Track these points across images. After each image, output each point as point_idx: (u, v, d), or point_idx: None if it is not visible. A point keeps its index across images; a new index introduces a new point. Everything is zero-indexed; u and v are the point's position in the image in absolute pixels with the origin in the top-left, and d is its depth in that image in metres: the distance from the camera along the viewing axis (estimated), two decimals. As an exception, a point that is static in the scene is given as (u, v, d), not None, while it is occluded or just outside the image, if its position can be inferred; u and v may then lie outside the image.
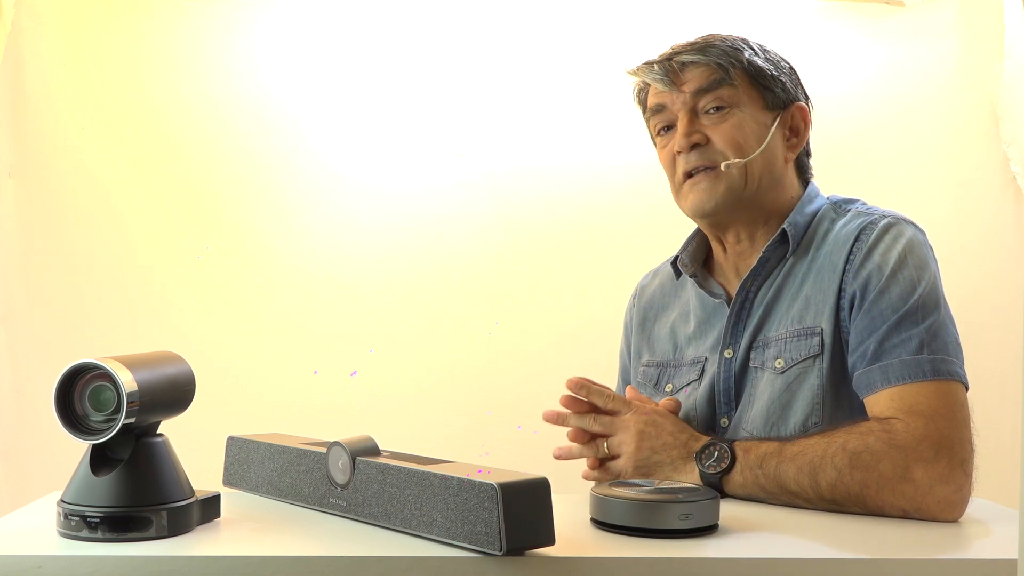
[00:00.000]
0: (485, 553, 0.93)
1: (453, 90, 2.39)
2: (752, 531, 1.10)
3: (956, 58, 2.48)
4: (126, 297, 2.28)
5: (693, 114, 1.45)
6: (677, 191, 1.50)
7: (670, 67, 1.46)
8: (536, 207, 2.41)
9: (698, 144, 1.44)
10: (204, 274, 2.31)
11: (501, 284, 2.40)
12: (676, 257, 1.57)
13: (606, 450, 1.34)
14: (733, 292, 1.49)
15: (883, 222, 1.39)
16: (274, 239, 2.35)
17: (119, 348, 1.08)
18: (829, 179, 1.56)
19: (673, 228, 1.60)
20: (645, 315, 1.63)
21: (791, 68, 1.52)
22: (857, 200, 1.49)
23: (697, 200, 1.46)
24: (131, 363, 1.01)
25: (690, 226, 1.57)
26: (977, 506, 1.25)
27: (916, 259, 1.35)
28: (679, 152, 1.46)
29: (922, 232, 1.41)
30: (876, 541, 1.10)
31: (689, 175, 1.46)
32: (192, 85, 2.32)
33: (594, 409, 1.35)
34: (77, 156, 2.27)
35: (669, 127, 1.49)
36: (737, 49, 1.46)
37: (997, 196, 2.46)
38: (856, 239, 1.38)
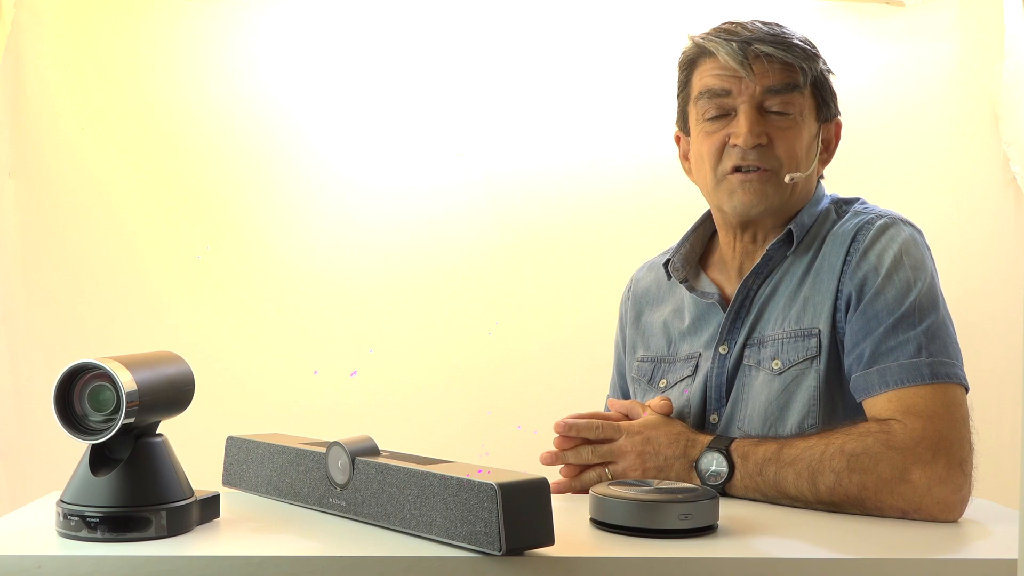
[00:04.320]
0: (485, 553, 0.93)
1: (453, 90, 2.39)
2: (752, 531, 1.10)
3: (956, 58, 2.48)
4: (126, 297, 2.28)
5: (758, 111, 1.41)
6: (718, 182, 1.44)
7: (749, 51, 1.39)
8: (536, 207, 2.41)
9: (760, 144, 1.40)
10: (204, 274, 2.31)
11: (501, 284, 2.40)
12: (668, 260, 1.56)
13: (609, 478, 1.33)
14: (728, 289, 1.49)
15: (879, 222, 1.39)
16: (274, 239, 2.35)
17: (119, 348, 1.08)
18: (829, 179, 1.56)
19: (673, 228, 1.59)
20: (640, 309, 1.62)
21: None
22: (857, 199, 1.48)
23: (747, 201, 1.42)
24: (130, 363, 1.01)
25: (688, 224, 1.57)
26: (977, 506, 1.25)
27: (912, 259, 1.35)
28: (736, 145, 1.40)
29: (919, 232, 1.41)
30: (876, 541, 1.10)
31: (739, 169, 1.41)
32: (192, 85, 2.32)
33: (587, 441, 1.35)
34: (77, 156, 2.27)
35: (723, 115, 1.43)
36: (814, 55, 1.43)
37: (997, 196, 2.46)
38: (852, 240, 1.38)
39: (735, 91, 1.41)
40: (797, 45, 1.42)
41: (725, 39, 1.41)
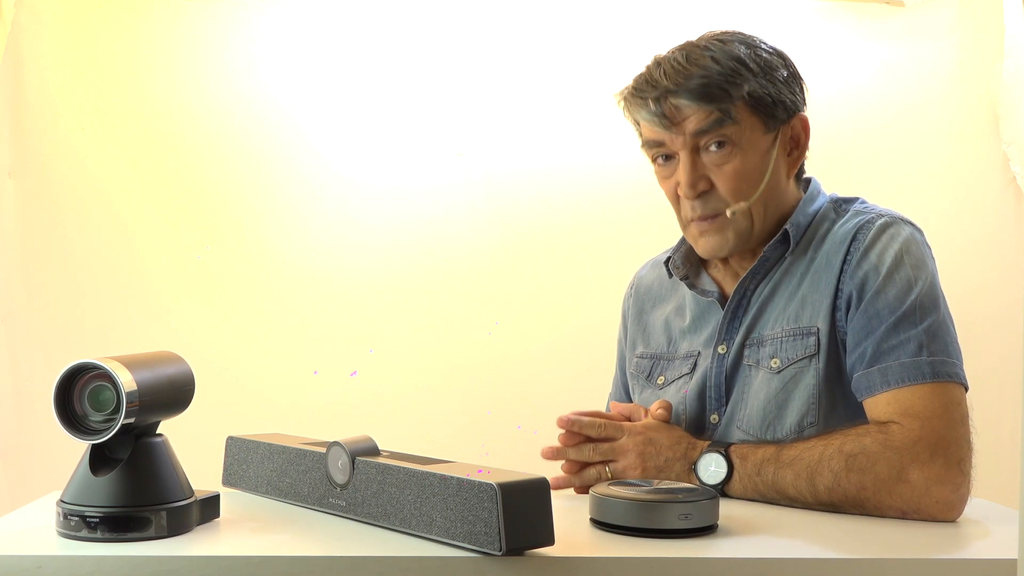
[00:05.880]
0: (485, 553, 0.93)
1: (453, 90, 2.39)
2: (752, 531, 1.10)
3: (956, 58, 2.48)
4: (126, 297, 2.28)
5: (695, 154, 1.40)
6: (684, 227, 1.47)
7: (666, 106, 1.38)
8: (536, 207, 2.41)
9: (703, 191, 1.41)
10: (204, 274, 2.31)
11: (501, 284, 2.40)
12: (669, 257, 1.56)
13: (609, 476, 1.33)
14: (727, 288, 1.49)
15: (880, 221, 1.38)
16: (274, 239, 2.35)
17: (119, 348, 1.08)
18: (829, 179, 1.56)
19: (673, 228, 1.59)
20: (642, 305, 1.62)
21: (789, 72, 1.45)
22: (857, 199, 1.48)
23: (709, 249, 1.44)
24: (131, 363, 1.01)
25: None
26: (977, 506, 1.25)
27: (913, 259, 1.35)
28: (680, 194, 1.43)
29: (920, 231, 1.40)
30: (876, 541, 1.10)
31: (693, 219, 1.44)
32: (192, 85, 2.32)
33: (589, 439, 1.36)
34: (77, 156, 2.27)
35: (668, 156, 1.44)
36: (735, 82, 1.37)
37: (997, 196, 2.46)
38: (853, 239, 1.38)
39: (667, 141, 1.42)
40: (714, 84, 1.37)
41: (641, 98, 1.41)
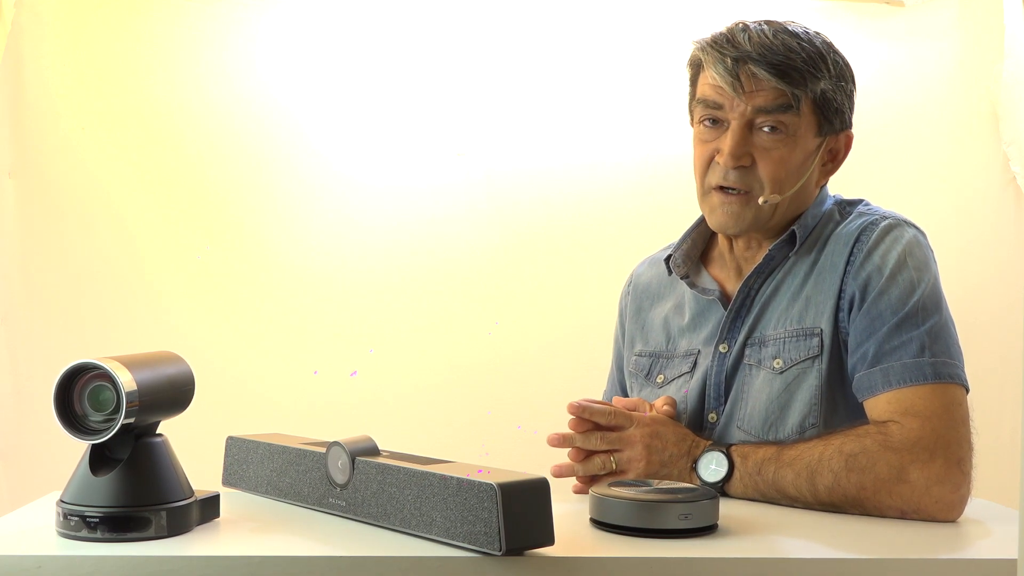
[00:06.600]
0: (484, 553, 0.93)
1: (453, 90, 2.39)
2: (752, 531, 1.10)
3: (956, 58, 2.48)
4: (126, 297, 2.28)
5: (747, 128, 1.39)
6: (703, 195, 1.45)
7: (742, 70, 1.37)
8: (536, 207, 2.41)
9: (742, 165, 1.40)
10: (204, 274, 2.31)
11: (501, 284, 2.40)
12: (670, 255, 1.56)
13: (614, 465, 1.33)
14: (728, 287, 1.49)
15: (883, 223, 1.39)
16: (274, 239, 2.35)
17: (118, 348, 1.08)
18: (829, 179, 1.56)
19: (673, 228, 1.59)
20: (640, 303, 1.62)
21: (854, 87, 1.45)
22: (861, 201, 1.48)
23: (723, 222, 1.43)
24: (130, 363, 1.01)
25: (688, 224, 1.57)
26: (977, 506, 1.25)
27: (916, 260, 1.35)
28: (718, 161, 1.41)
29: (923, 233, 1.41)
30: (876, 541, 1.10)
31: (721, 188, 1.42)
32: (191, 85, 2.32)
33: (597, 427, 1.35)
34: (77, 156, 2.27)
35: (716, 121, 1.42)
36: (815, 75, 1.38)
37: (997, 196, 2.46)
38: (856, 240, 1.38)
39: (727, 106, 1.40)
40: (796, 68, 1.38)
41: (720, 53, 1.39)
